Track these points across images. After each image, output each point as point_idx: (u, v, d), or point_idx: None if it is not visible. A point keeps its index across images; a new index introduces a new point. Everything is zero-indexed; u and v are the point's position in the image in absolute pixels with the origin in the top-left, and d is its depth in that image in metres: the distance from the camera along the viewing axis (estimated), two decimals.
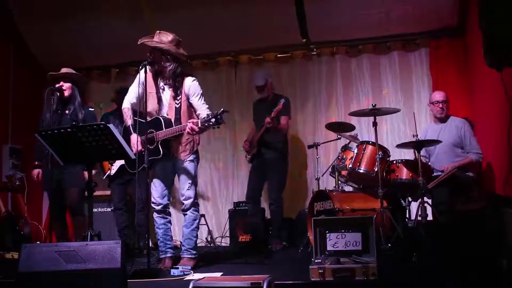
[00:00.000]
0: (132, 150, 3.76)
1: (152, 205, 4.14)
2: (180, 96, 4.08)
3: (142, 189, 4.81)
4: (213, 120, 3.71)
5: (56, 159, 3.66)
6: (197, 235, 4.24)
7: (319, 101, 6.49)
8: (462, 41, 5.94)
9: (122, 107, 4.19)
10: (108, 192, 5.81)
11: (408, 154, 5.59)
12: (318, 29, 6.14)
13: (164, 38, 4.02)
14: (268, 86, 5.62)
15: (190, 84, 4.10)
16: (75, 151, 3.53)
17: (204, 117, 3.79)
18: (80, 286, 2.87)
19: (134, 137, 3.95)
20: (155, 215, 4.16)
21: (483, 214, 3.38)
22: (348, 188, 5.10)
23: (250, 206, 5.69)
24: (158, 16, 5.89)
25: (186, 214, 4.13)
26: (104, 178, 5.65)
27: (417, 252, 3.68)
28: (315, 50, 6.51)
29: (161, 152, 3.96)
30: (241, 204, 6.05)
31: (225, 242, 6.18)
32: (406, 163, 4.63)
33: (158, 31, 4.07)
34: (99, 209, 5.86)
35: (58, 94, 4.57)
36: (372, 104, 4.46)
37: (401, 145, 4.84)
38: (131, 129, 4.02)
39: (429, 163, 4.99)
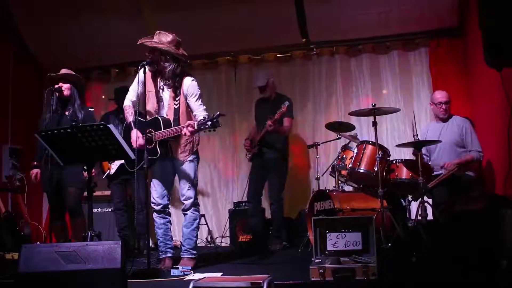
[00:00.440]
0: (132, 145, 3.79)
1: (152, 205, 4.14)
2: (179, 97, 4.08)
3: (141, 189, 4.83)
4: (209, 123, 3.70)
5: (56, 159, 3.66)
6: (197, 235, 4.24)
7: (319, 101, 6.50)
8: (462, 41, 5.94)
9: (124, 105, 4.19)
10: (108, 192, 5.81)
11: (408, 154, 5.58)
12: (318, 29, 6.14)
13: (163, 39, 4.02)
14: (269, 85, 5.61)
15: (189, 84, 4.09)
16: (75, 151, 3.53)
17: (200, 120, 3.79)
18: (80, 287, 2.87)
19: (134, 132, 3.95)
20: (154, 215, 4.16)
21: (483, 214, 3.38)
22: (348, 188, 5.10)
23: (251, 205, 5.68)
24: (158, 16, 5.89)
25: (186, 214, 4.13)
26: (103, 177, 5.65)
27: (417, 252, 3.67)
28: (315, 50, 6.51)
29: (159, 152, 3.96)
30: (241, 204, 6.06)
31: (225, 242, 6.18)
32: (406, 162, 4.62)
33: (158, 31, 4.07)
34: (99, 209, 5.86)
35: (58, 94, 4.57)
36: (372, 104, 4.46)
37: (401, 145, 4.84)
38: (132, 125, 4.01)
39: (430, 162, 4.99)
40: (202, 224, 5.99)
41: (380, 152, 4.44)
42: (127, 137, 4.01)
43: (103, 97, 6.98)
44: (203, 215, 6.23)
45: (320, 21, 6.00)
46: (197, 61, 6.78)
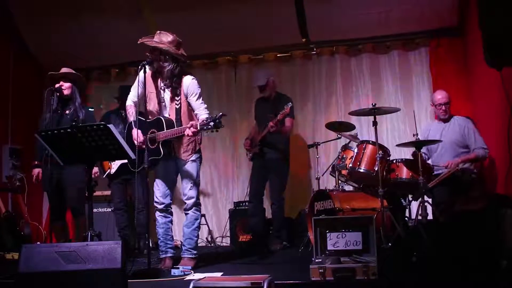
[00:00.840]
0: (134, 143, 3.80)
1: (155, 204, 4.14)
2: (179, 97, 4.08)
3: (141, 189, 4.82)
4: (211, 124, 3.70)
5: (56, 159, 3.66)
6: (197, 235, 4.24)
7: (319, 100, 6.50)
8: (462, 40, 5.94)
9: (126, 105, 4.21)
10: (108, 192, 5.81)
11: (409, 154, 5.58)
12: (318, 29, 6.14)
13: (164, 39, 4.02)
14: (269, 85, 5.61)
15: (189, 83, 4.09)
16: (75, 151, 3.53)
17: (203, 121, 3.78)
18: (80, 287, 2.87)
19: (135, 131, 3.96)
20: (157, 214, 4.17)
21: (484, 213, 3.38)
22: (348, 188, 5.10)
23: (252, 205, 5.67)
24: (158, 16, 5.89)
25: (187, 214, 4.14)
26: (104, 177, 5.65)
27: (417, 251, 3.67)
28: (315, 49, 6.51)
29: (162, 153, 3.96)
30: (241, 204, 6.06)
31: (226, 242, 6.18)
32: (406, 162, 4.62)
33: (159, 31, 4.07)
34: (99, 209, 5.86)
35: (58, 94, 4.57)
36: (372, 104, 4.46)
37: (401, 145, 4.84)
38: (133, 125, 4.02)
39: (430, 162, 4.99)
40: (203, 224, 5.99)
41: (380, 151, 4.44)
42: (129, 136, 4.02)
43: (103, 97, 6.99)
44: (204, 215, 6.23)
45: (320, 21, 6.00)
46: (197, 61, 6.78)
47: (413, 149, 4.84)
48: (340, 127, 5.22)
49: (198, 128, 3.77)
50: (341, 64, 6.46)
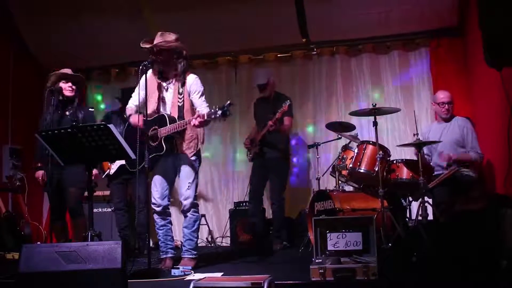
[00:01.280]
0: (133, 145, 3.78)
1: (153, 206, 4.13)
2: (182, 95, 4.09)
3: (142, 189, 4.82)
4: (219, 112, 3.67)
5: (56, 159, 3.66)
6: (197, 235, 4.25)
7: (319, 100, 6.50)
8: (462, 40, 5.94)
9: (127, 108, 4.24)
10: (108, 192, 5.81)
11: (409, 154, 5.60)
12: (318, 29, 6.14)
13: (169, 39, 4.02)
14: (270, 84, 5.62)
15: (193, 81, 4.12)
16: (75, 151, 3.53)
17: (210, 110, 3.76)
18: (80, 287, 2.87)
19: (135, 117, 3.97)
20: (155, 216, 4.16)
21: (484, 214, 3.38)
22: (348, 188, 5.10)
23: (251, 205, 5.68)
24: (158, 16, 5.90)
25: (186, 216, 4.12)
26: (103, 177, 5.65)
27: (417, 252, 3.67)
28: (315, 50, 6.51)
29: (164, 148, 3.95)
30: (241, 204, 6.06)
31: (226, 242, 6.18)
32: (407, 162, 4.62)
33: (160, 33, 4.05)
34: (99, 209, 5.87)
35: (60, 95, 4.57)
36: (373, 104, 4.46)
37: (402, 145, 4.84)
38: (133, 113, 4.06)
39: (431, 162, 4.99)
40: (203, 224, 6.00)
41: (380, 152, 4.44)
42: (130, 135, 4.01)
43: (103, 97, 7.00)
44: (204, 215, 6.23)
45: (320, 21, 6.00)
46: (198, 61, 6.78)
47: (414, 150, 4.86)
48: (341, 128, 5.22)
49: (206, 118, 3.75)
50: (342, 64, 6.46)
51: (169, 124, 3.95)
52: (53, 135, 3.45)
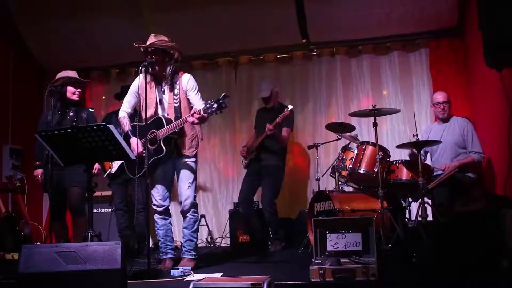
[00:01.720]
0: (133, 153, 3.78)
1: (153, 206, 4.13)
2: (178, 96, 4.09)
3: (141, 190, 4.82)
4: (215, 105, 3.67)
5: (56, 160, 3.66)
6: (197, 236, 4.24)
7: (319, 101, 6.49)
8: (462, 41, 5.94)
9: (119, 117, 4.25)
10: (108, 193, 5.80)
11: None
12: (318, 30, 6.14)
13: (162, 39, 4.03)
14: (273, 95, 5.61)
15: (188, 79, 4.13)
16: (75, 152, 3.53)
17: (206, 105, 3.75)
18: (80, 287, 2.87)
19: (134, 140, 3.99)
20: (156, 216, 4.16)
21: (484, 214, 3.38)
22: (348, 189, 5.10)
23: (243, 210, 5.65)
24: (158, 16, 5.90)
25: (186, 217, 4.11)
26: (104, 176, 5.64)
27: (417, 252, 3.67)
28: (315, 50, 6.52)
29: (164, 150, 3.95)
30: (237, 207, 6.04)
31: (225, 242, 6.18)
32: (406, 163, 4.63)
33: (153, 34, 4.05)
34: (100, 210, 5.86)
35: (65, 97, 4.60)
36: (372, 105, 4.46)
37: (401, 146, 4.84)
38: (130, 134, 4.06)
39: (431, 163, 4.99)
40: (202, 225, 5.99)
41: (380, 152, 4.44)
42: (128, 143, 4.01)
43: (103, 97, 7.00)
44: (203, 216, 6.23)
45: (320, 21, 6.00)
46: (197, 62, 6.78)
47: (409, 150, 4.86)
48: (340, 128, 5.22)
49: (202, 113, 3.74)
50: (341, 65, 6.46)
51: (166, 125, 3.95)
52: (53, 135, 3.45)
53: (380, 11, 5.84)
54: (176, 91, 4.09)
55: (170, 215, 4.22)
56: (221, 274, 3.66)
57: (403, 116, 6.02)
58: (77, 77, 4.74)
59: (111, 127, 3.38)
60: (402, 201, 4.86)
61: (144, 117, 3.90)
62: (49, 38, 6.41)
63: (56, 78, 4.65)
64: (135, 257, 4.61)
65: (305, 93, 6.54)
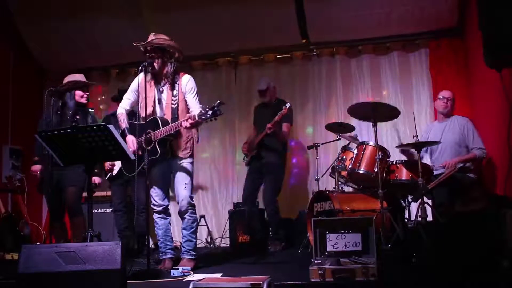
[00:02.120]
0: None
1: (153, 206, 4.13)
2: (176, 96, 4.09)
3: (141, 190, 4.82)
4: (210, 112, 3.68)
5: (56, 160, 3.66)
6: (196, 236, 4.24)
7: (319, 101, 6.50)
8: (462, 41, 5.94)
9: (117, 113, 4.25)
10: (108, 193, 5.80)
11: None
12: (318, 30, 6.14)
13: (162, 38, 4.03)
14: (270, 89, 5.61)
15: (188, 80, 4.13)
16: (75, 152, 3.52)
17: (201, 111, 3.76)
18: (79, 287, 2.87)
19: (130, 138, 4.00)
20: (155, 216, 4.16)
21: (484, 214, 3.38)
22: (348, 189, 5.09)
23: (246, 207, 5.67)
24: (158, 16, 5.90)
25: (184, 218, 4.10)
26: (106, 178, 5.64)
27: (417, 252, 3.67)
28: (315, 50, 6.52)
29: (159, 152, 3.95)
30: (240, 205, 6.04)
31: (225, 243, 6.18)
32: (406, 163, 4.62)
33: (153, 33, 4.06)
34: (99, 210, 5.86)
35: (72, 99, 4.62)
36: (375, 99, 4.45)
37: (401, 146, 4.84)
38: (127, 131, 4.06)
39: (431, 162, 4.98)
40: (202, 225, 5.99)
41: (380, 153, 4.44)
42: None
43: (103, 97, 7.00)
44: (203, 216, 6.23)
45: (320, 21, 6.01)
46: (197, 62, 6.79)
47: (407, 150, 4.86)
48: (340, 128, 5.22)
49: (197, 119, 3.75)
50: (341, 65, 6.46)
51: (162, 127, 3.95)
52: (53, 135, 3.45)
53: (380, 11, 5.84)
54: (175, 92, 4.09)
55: (169, 215, 4.22)
56: (221, 274, 3.66)
57: (402, 116, 6.00)
58: (85, 80, 4.75)
59: (111, 127, 3.38)
60: (402, 201, 4.85)
61: (142, 115, 3.90)
62: (49, 38, 6.41)
63: (64, 82, 4.65)
64: (135, 257, 4.61)
65: (305, 93, 6.54)
